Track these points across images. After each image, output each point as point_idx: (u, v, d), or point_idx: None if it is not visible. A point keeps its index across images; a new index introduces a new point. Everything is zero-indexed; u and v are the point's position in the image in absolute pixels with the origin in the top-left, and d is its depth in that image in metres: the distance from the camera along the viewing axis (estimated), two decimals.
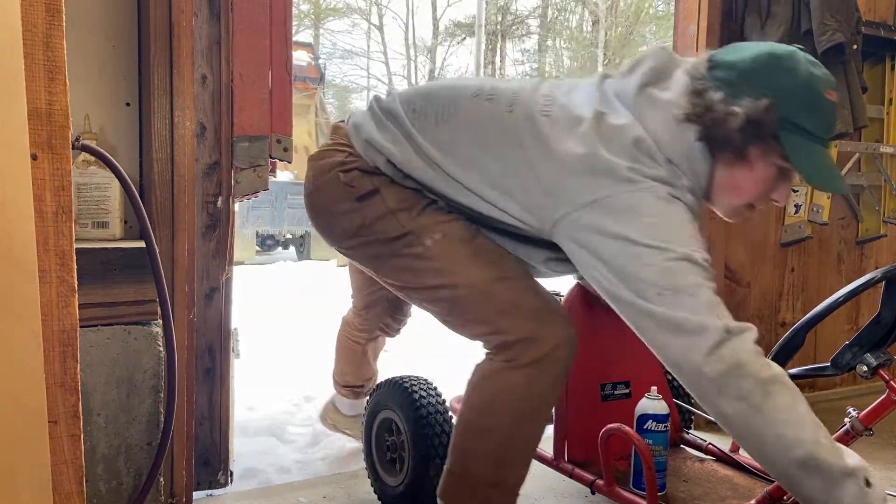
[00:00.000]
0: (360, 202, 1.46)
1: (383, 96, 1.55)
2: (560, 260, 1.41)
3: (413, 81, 21.35)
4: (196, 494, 1.81)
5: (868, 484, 1.09)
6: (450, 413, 1.77)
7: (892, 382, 1.26)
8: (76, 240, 0.93)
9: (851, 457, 1.12)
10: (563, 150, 1.28)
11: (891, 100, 2.75)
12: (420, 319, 2.44)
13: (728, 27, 2.44)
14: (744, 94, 1.23)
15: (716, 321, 1.14)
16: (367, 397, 2.11)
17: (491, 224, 1.43)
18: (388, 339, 2.19)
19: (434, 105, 1.46)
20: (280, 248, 10.97)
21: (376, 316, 2.03)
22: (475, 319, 1.41)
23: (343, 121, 1.61)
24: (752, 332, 1.16)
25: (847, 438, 1.30)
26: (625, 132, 1.28)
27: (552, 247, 1.38)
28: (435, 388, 1.80)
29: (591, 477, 1.63)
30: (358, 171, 1.48)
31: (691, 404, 1.97)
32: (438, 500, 1.46)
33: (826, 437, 1.11)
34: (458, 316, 1.43)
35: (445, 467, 1.45)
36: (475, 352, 1.46)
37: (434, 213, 1.45)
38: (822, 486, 1.08)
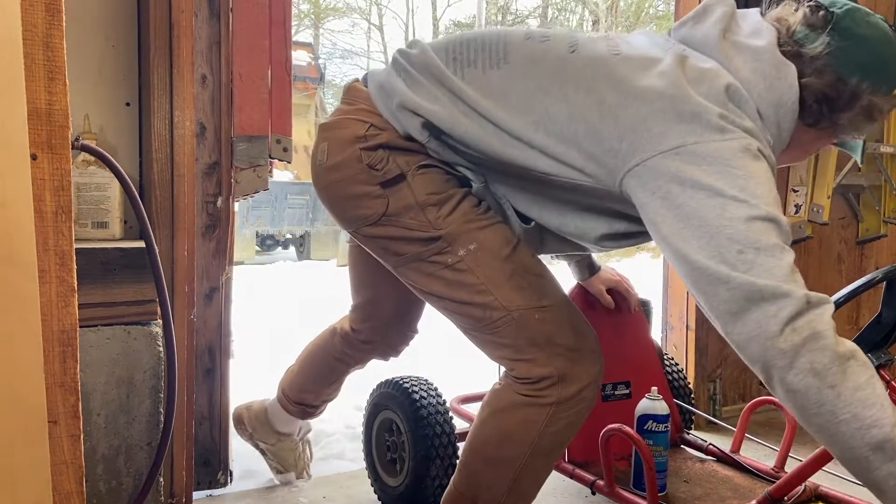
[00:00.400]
0: (385, 188, 1.31)
1: (410, 49, 1.37)
2: (615, 237, 1.31)
3: None
4: (196, 494, 1.81)
5: None
6: (450, 413, 1.77)
7: (892, 383, 1.27)
8: (76, 240, 0.93)
9: None
10: (644, 87, 1.16)
11: None
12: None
13: None
14: (875, 83, 1.18)
15: (797, 289, 1.04)
16: (311, 420, 1.98)
17: (543, 189, 1.30)
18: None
19: (480, 50, 1.30)
20: (280, 248, 10.98)
21: (379, 332, 1.73)
22: (503, 344, 1.31)
23: (358, 80, 1.44)
24: (830, 305, 1.07)
25: None
26: (715, 77, 1.16)
27: (611, 215, 1.28)
28: (435, 388, 1.79)
29: (591, 477, 1.63)
30: (383, 149, 1.31)
31: (691, 404, 1.97)
32: None
33: None
34: (484, 334, 1.33)
35: (453, 482, 1.40)
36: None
37: (468, 212, 1.31)
38: None
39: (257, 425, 1.96)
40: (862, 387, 1.01)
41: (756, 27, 1.24)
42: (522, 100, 1.24)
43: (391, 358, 1.81)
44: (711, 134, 1.11)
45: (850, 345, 1.05)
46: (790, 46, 1.20)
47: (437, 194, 1.31)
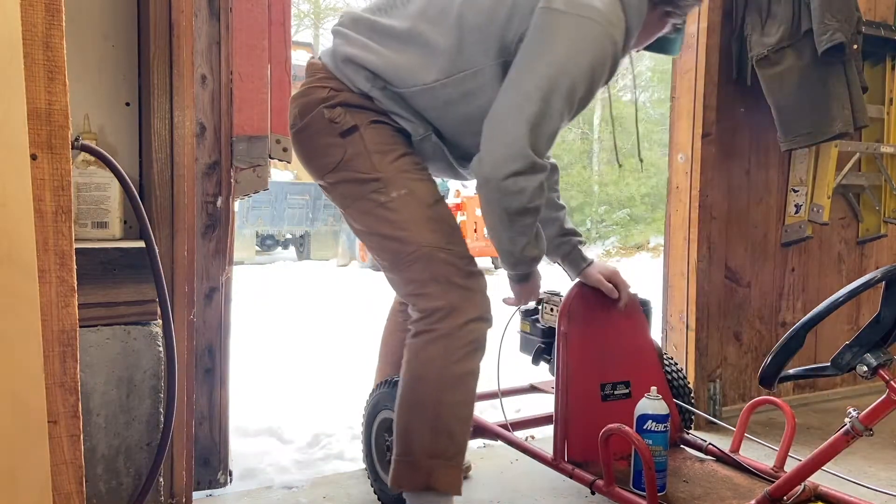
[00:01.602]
0: (343, 138, 1.55)
1: (341, 18, 1.67)
2: None
3: None
4: (196, 494, 1.81)
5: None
6: None
7: (892, 382, 1.26)
8: (76, 240, 0.93)
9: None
10: None
11: (891, 100, 2.75)
12: None
13: (728, 26, 2.44)
14: None
15: (533, 156, 1.41)
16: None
17: (470, 108, 1.53)
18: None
19: None
20: (280, 248, 10.98)
21: None
22: (411, 279, 1.53)
23: (315, 57, 1.69)
24: (546, 172, 1.46)
25: (847, 439, 1.30)
26: None
27: None
28: None
29: (591, 477, 1.63)
30: (341, 106, 1.56)
31: (691, 404, 1.98)
32: (391, 488, 1.56)
33: (535, 247, 1.54)
34: (398, 272, 1.55)
35: (392, 457, 1.53)
36: None
37: (407, 164, 1.56)
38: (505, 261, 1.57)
39: None
40: (523, 229, 1.49)
41: None
42: (438, 11, 1.52)
43: None
44: (581, 8, 1.39)
45: (540, 202, 1.47)
46: None
47: (384, 145, 1.56)
